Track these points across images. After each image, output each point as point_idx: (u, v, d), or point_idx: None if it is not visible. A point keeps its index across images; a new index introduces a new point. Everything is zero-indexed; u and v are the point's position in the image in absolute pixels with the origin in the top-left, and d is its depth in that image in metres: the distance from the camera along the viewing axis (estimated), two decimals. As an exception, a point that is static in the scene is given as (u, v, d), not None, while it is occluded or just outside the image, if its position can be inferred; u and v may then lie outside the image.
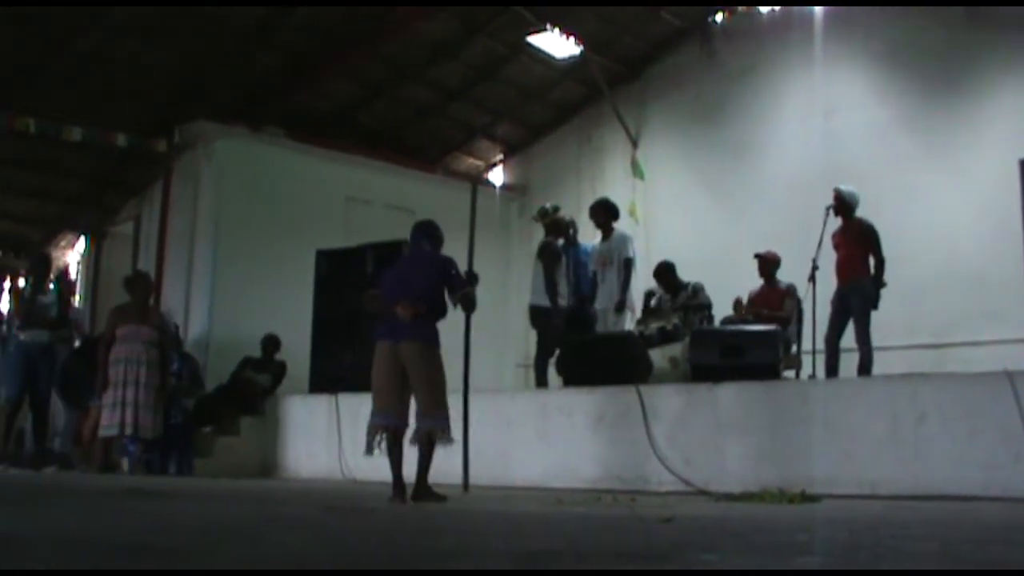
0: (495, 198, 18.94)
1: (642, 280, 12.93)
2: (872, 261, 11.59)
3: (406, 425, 7.98)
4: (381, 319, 8.04)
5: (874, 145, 14.77)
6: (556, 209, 13.08)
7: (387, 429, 7.90)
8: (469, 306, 8.49)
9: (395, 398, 7.90)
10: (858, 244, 11.60)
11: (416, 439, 7.86)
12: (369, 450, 7.95)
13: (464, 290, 8.26)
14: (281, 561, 3.28)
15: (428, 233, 8.52)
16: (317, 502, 7.16)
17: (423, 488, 7.77)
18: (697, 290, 12.39)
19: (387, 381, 7.88)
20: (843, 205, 11.64)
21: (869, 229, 11.65)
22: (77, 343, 13.25)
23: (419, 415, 7.87)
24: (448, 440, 7.97)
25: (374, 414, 7.94)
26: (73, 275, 18.54)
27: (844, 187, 11.74)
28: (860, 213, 11.77)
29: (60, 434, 13.02)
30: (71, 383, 12.76)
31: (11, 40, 13.83)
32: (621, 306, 12.28)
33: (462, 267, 8.49)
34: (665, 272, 12.66)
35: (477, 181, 8.82)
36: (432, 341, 8.04)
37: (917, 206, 14.16)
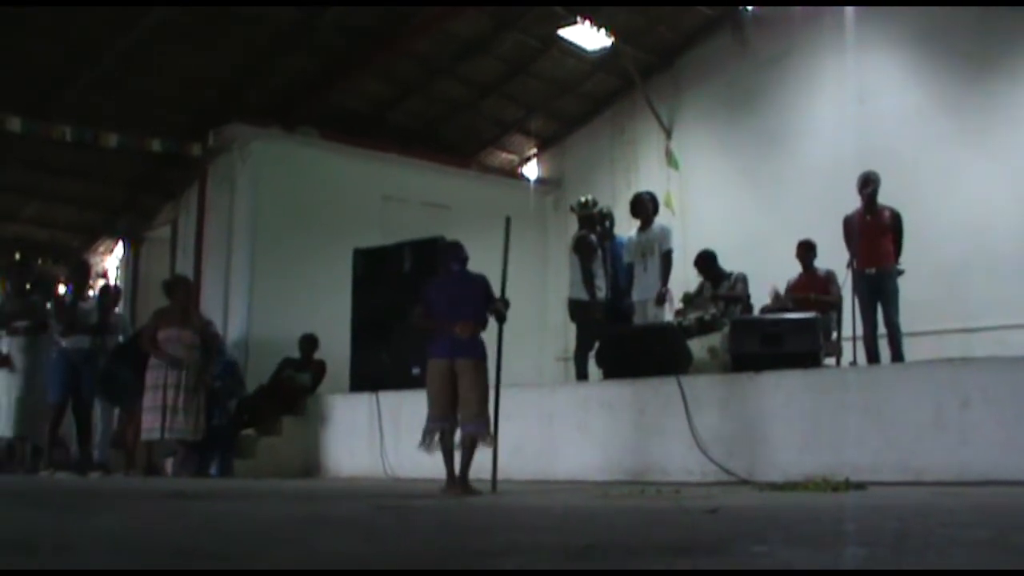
0: (530, 192, 18.98)
1: (679, 270, 12.90)
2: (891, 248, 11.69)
3: (456, 426, 8.73)
4: (433, 336, 8.83)
5: (909, 129, 14.69)
6: (595, 203, 13.03)
7: (443, 432, 8.70)
8: (501, 320, 9.17)
9: (449, 405, 8.69)
10: (888, 230, 11.64)
11: (462, 442, 8.66)
12: (428, 448, 8.71)
13: (496, 304, 9.04)
14: (333, 563, 3.29)
15: (457, 255, 9.26)
16: (364, 501, 7.19)
17: (464, 482, 8.58)
18: (739, 280, 12.34)
19: (443, 392, 8.68)
20: (877, 190, 11.67)
21: (899, 216, 11.70)
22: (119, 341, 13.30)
23: (465, 421, 8.67)
24: (490, 443, 8.77)
25: (433, 419, 8.71)
26: (113, 281, 18.69)
27: (872, 172, 11.78)
28: (892, 197, 11.82)
29: (98, 443, 13.08)
30: (113, 384, 12.84)
31: (45, 49, 13.94)
32: (662, 298, 12.29)
33: (496, 292, 9.19)
34: (705, 261, 12.61)
35: (510, 214, 9.44)
36: (483, 356, 8.90)
37: (954, 189, 14.10)
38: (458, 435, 8.72)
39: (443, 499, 7.95)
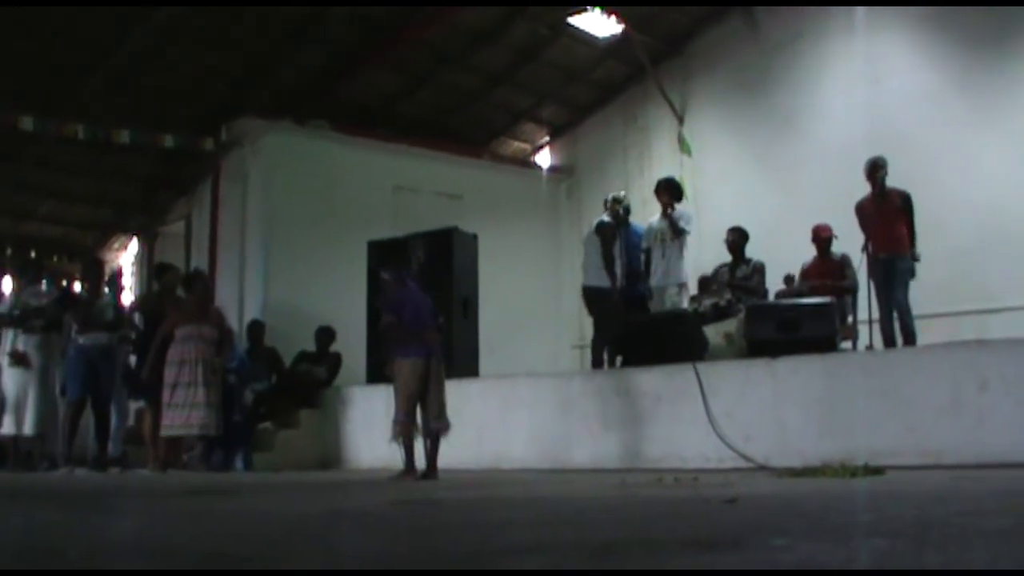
0: (542, 180, 19.00)
1: (694, 256, 12.93)
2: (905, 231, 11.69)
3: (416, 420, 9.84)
4: (405, 340, 9.74)
5: (922, 109, 14.67)
6: (618, 200, 12.94)
7: (412, 426, 9.70)
8: (441, 331, 10.36)
9: (416, 402, 9.70)
10: (900, 213, 11.65)
11: (429, 434, 9.72)
12: (396, 439, 9.68)
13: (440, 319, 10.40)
14: (358, 562, 3.31)
15: (410, 273, 10.77)
16: (383, 495, 7.22)
17: (434, 468, 9.65)
18: (756, 269, 12.34)
19: (417, 390, 9.64)
20: (886, 174, 11.68)
21: (909, 198, 11.71)
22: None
23: (434, 417, 9.69)
24: (446, 434, 9.81)
25: (405, 414, 9.66)
26: (126, 276, 18.76)
27: (880, 157, 11.80)
28: (906, 178, 11.82)
29: (111, 437, 13.12)
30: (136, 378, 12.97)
31: (56, 47, 13.97)
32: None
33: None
34: (737, 237, 12.60)
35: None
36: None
37: (968, 169, 14.07)
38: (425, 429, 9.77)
39: (398, 484, 9.00)
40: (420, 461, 9.68)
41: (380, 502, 6.43)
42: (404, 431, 9.64)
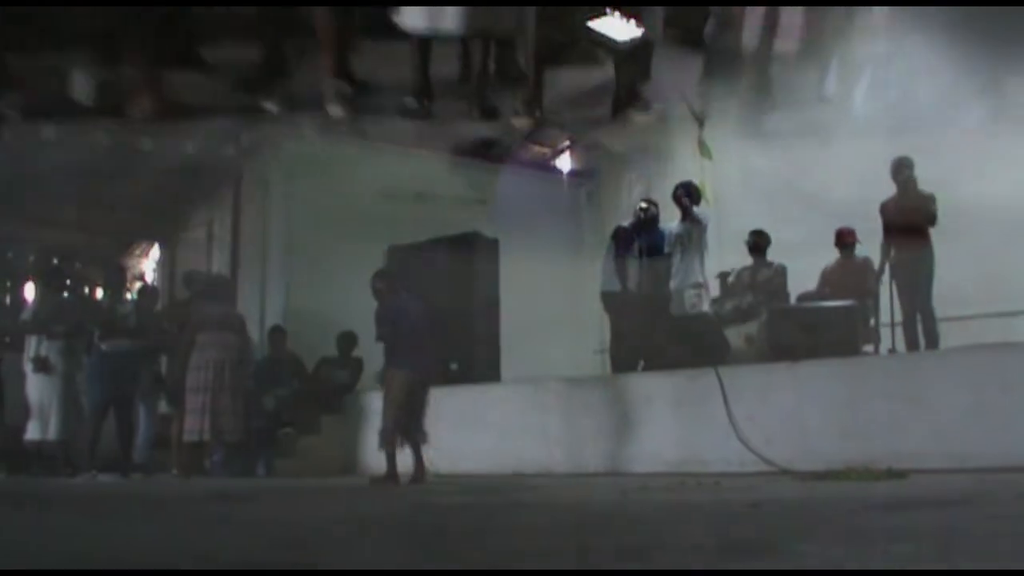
0: (563, 185, 18.98)
1: (714, 260, 12.88)
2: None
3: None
4: (401, 352, 10.10)
5: (945, 111, 14.56)
6: (642, 208, 12.95)
7: (397, 436, 10.06)
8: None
9: (403, 413, 10.05)
10: (924, 215, 11.57)
11: (411, 441, 10.17)
12: (381, 448, 10.08)
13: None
14: (384, 567, 3.31)
15: (404, 283, 10.94)
16: (406, 501, 7.22)
17: (422, 472, 10.16)
18: (778, 272, 12.29)
19: (405, 402, 10.02)
20: (911, 175, 11.63)
21: (933, 199, 11.63)
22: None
23: (413, 428, 10.14)
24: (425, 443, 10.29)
25: (394, 422, 10.03)
26: (149, 282, 18.80)
27: (906, 157, 11.74)
28: (930, 180, 11.75)
29: (139, 443, 13.15)
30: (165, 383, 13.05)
31: (77, 52, 13.99)
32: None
33: None
34: (757, 239, 12.55)
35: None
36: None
37: (991, 170, 13.94)
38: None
39: (378, 488, 9.52)
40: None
41: (403, 507, 6.43)
42: (390, 441, 10.01)
